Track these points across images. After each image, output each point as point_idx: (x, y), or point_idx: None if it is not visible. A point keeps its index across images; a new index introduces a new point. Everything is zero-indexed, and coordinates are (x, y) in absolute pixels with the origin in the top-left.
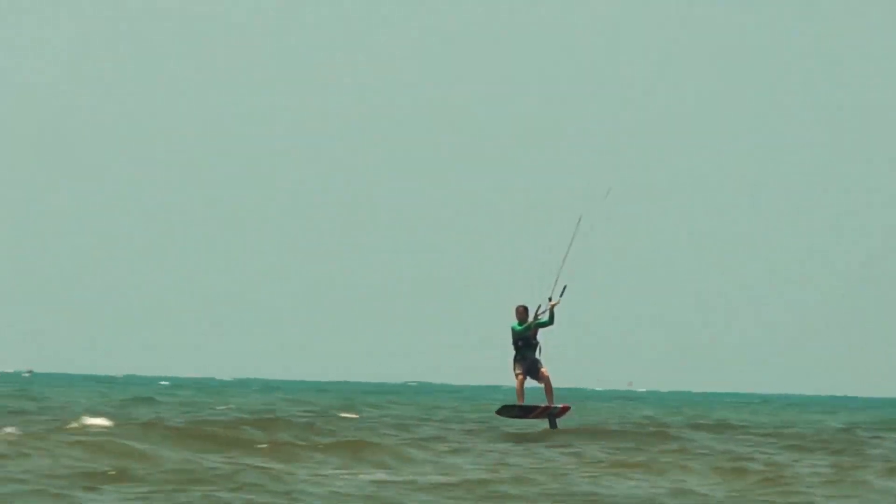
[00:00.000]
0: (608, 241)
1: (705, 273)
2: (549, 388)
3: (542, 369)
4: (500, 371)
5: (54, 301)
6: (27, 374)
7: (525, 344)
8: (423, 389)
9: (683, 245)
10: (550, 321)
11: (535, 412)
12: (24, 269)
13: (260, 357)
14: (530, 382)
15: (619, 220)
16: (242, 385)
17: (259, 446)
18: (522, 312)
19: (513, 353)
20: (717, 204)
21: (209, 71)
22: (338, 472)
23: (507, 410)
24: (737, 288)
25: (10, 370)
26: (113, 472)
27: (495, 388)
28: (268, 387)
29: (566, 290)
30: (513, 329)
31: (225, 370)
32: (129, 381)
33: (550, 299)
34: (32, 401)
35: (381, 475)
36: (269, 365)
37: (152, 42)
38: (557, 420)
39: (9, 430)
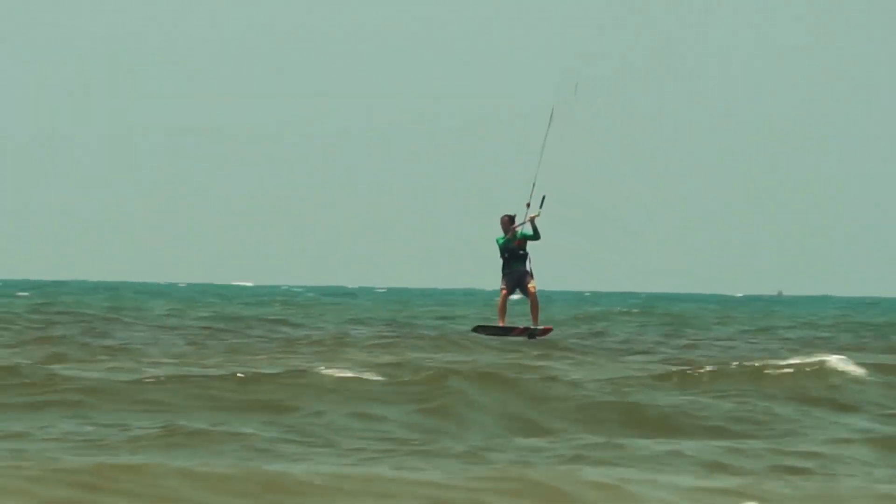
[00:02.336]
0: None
1: None
2: (534, 306)
3: (530, 284)
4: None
5: None
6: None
7: (512, 256)
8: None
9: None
10: (536, 235)
11: (515, 331)
12: None
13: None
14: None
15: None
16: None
17: None
18: (507, 222)
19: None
20: None
21: None
22: None
23: (485, 329)
24: None
25: None
26: None
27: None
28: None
29: (545, 200)
30: (497, 242)
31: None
32: None
33: (528, 206)
34: None
35: None
36: None
37: None
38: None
39: None
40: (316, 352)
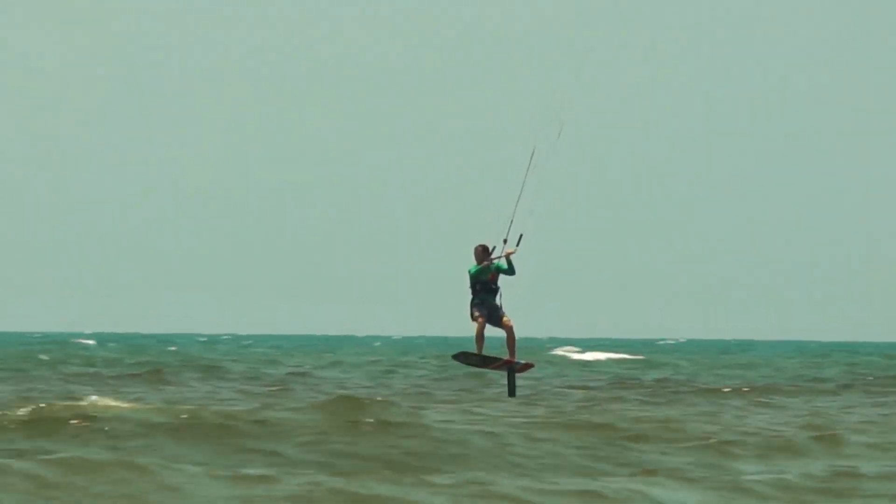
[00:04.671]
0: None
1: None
2: (511, 340)
3: (505, 318)
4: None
5: None
6: None
7: (483, 288)
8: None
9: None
10: (511, 271)
11: (496, 364)
12: None
13: None
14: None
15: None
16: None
17: None
18: (481, 253)
19: (469, 297)
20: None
21: None
22: None
23: (466, 357)
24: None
25: None
26: None
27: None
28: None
29: (522, 238)
30: (469, 272)
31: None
32: None
33: (505, 242)
34: None
35: None
36: None
37: None
38: (517, 377)
39: None
40: None
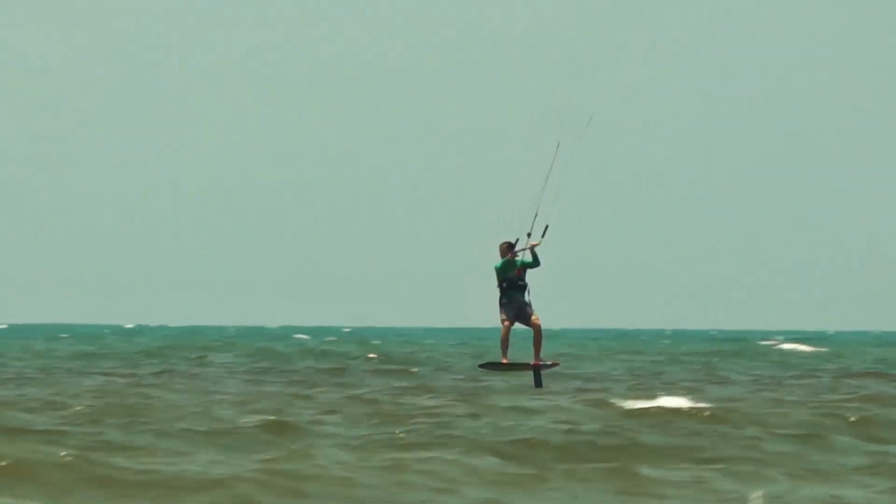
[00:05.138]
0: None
1: None
2: (538, 339)
3: (533, 317)
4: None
5: None
6: None
7: (510, 285)
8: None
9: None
10: (535, 262)
11: (522, 368)
12: None
13: None
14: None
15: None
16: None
17: None
18: (506, 249)
19: (498, 295)
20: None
21: None
22: None
23: (493, 366)
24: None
25: None
26: None
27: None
28: None
29: (548, 230)
30: (495, 268)
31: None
32: None
33: (529, 235)
34: None
35: None
36: None
37: None
38: (543, 374)
39: None
40: None
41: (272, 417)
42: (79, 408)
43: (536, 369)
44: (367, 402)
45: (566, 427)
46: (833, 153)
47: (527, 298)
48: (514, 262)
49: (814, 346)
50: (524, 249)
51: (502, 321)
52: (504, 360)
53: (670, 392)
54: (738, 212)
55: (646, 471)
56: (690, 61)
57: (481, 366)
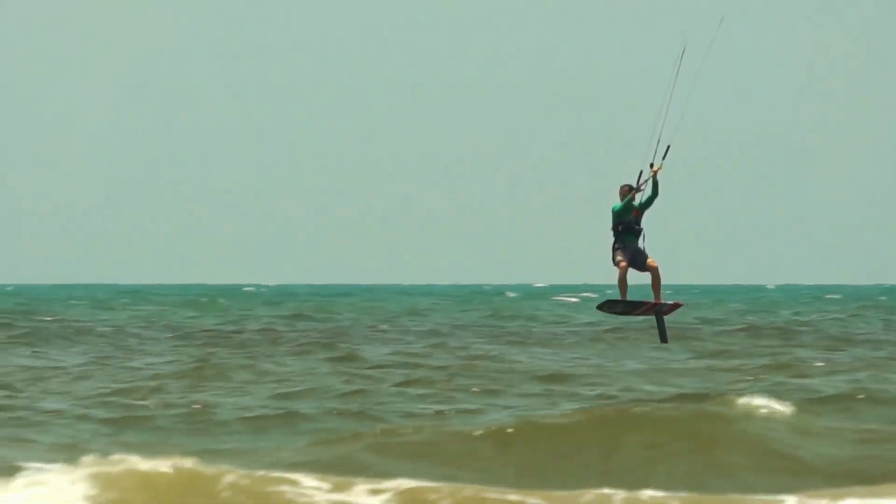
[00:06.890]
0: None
1: None
2: (656, 282)
3: (650, 259)
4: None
5: None
6: None
7: (626, 229)
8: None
9: None
10: (654, 193)
11: (642, 308)
12: None
13: None
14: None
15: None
16: None
17: None
18: (627, 192)
19: (611, 239)
20: None
21: None
22: None
23: (610, 306)
24: None
25: None
26: None
27: None
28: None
29: (669, 150)
30: (612, 210)
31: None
32: None
33: (652, 165)
34: None
35: None
36: None
37: None
38: (666, 318)
39: None
40: None
41: None
42: None
43: (659, 310)
44: None
45: None
46: None
47: (641, 245)
48: (632, 204)
49: None
50: (647, 180)
51: (618, 263)
52: (623, 298)
53: None
54: None
55: None
56: None
57: (599, 307)
